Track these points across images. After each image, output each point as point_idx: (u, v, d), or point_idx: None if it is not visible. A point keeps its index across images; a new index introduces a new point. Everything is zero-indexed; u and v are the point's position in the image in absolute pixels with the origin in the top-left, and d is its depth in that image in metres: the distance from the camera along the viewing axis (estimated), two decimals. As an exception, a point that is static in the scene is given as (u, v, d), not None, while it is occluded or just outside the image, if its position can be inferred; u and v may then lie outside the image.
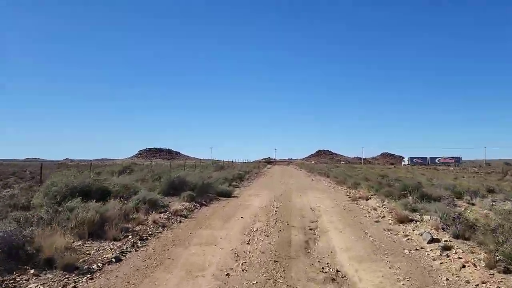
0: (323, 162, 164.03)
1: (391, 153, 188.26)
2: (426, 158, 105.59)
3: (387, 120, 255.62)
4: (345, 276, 5.06)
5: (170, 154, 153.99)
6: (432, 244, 6.58)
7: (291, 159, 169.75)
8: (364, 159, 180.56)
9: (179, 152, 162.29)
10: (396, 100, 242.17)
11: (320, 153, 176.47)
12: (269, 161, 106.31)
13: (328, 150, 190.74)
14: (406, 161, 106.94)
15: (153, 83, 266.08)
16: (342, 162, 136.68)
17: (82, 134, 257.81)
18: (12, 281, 4.48)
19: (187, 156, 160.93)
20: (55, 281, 4.56)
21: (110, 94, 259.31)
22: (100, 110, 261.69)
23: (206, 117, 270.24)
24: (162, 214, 9.30)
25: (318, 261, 5.76)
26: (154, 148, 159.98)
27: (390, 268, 5.42)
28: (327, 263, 5.63)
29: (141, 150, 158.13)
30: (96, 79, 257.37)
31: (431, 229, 7.61)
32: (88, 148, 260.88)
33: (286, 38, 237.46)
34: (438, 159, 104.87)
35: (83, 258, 5.47)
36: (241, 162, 67.13)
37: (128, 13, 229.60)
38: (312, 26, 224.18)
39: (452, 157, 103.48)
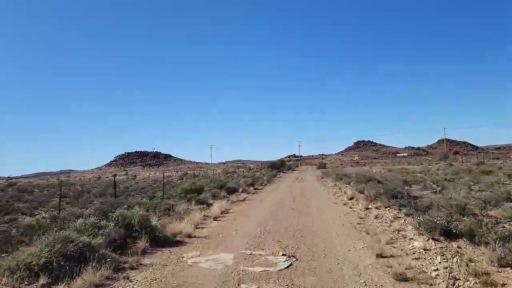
0: (369, 157, 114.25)
1: (452, 139, 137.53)
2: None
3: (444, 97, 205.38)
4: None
5: (157, 158, 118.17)
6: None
7: (323, 154, 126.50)
8: (418, 148, 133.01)
9: (170, 155, 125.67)
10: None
11: (360, 145, 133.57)
12: (281, 164, 63.42)
13: (369, 141, 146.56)
14: None
15: (133, 74, 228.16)
16: (400, 155, 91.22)
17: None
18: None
19: (180, 159, 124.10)
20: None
21: (78, 94, 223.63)
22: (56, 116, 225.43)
23: (205, 107, 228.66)
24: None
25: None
26: (135, 152, 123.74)
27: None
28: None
29: (117, 156, 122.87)
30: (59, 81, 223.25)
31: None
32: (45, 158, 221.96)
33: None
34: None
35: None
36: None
37: (106, 8, 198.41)
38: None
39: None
